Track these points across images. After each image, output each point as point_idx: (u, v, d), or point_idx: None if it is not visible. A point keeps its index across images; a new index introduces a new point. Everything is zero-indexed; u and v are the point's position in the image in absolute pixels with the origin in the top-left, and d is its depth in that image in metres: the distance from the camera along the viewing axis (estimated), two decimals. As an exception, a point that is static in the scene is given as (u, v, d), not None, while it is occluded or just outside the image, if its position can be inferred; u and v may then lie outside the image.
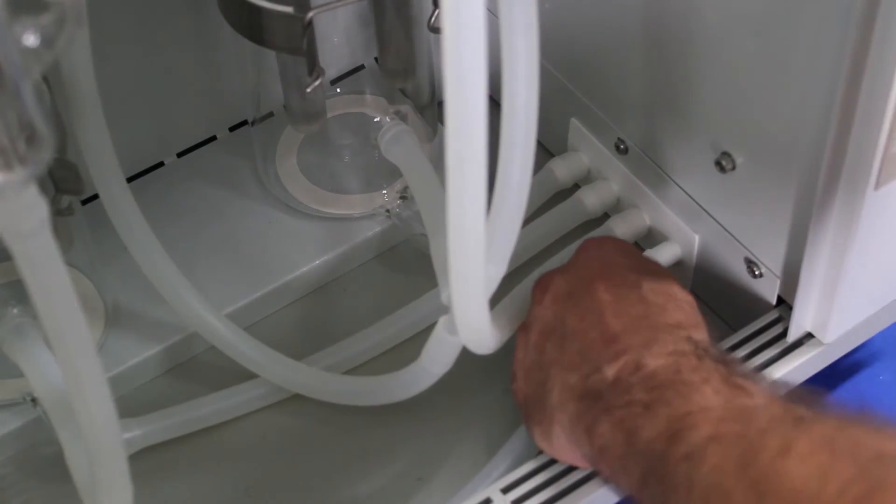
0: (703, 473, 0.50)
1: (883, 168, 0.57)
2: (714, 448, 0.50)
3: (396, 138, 0.72)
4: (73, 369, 0.48)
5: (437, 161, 0.72)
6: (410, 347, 0.70)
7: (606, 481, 0.61)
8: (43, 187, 0.42)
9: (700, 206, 0.68)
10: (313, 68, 0.66)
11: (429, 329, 0.64)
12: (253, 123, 0.77)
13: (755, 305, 0.68)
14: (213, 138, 0.80)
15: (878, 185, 0.58)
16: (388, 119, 0.74)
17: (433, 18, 0.68)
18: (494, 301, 0.59)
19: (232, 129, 0.81)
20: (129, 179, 0.70)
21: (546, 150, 0.78)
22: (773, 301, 0.67)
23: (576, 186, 0.77)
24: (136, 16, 0.72)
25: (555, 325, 0.61)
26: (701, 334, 0.59)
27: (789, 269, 0.65)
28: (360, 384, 0.69)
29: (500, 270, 0.57)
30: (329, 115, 0.75)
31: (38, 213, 0.42)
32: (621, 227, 0.72)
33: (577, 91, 0.74)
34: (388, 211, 0.76)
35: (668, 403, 0.54)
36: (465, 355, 0.63)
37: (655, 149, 0.70)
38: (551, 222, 0.75)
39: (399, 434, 0.69)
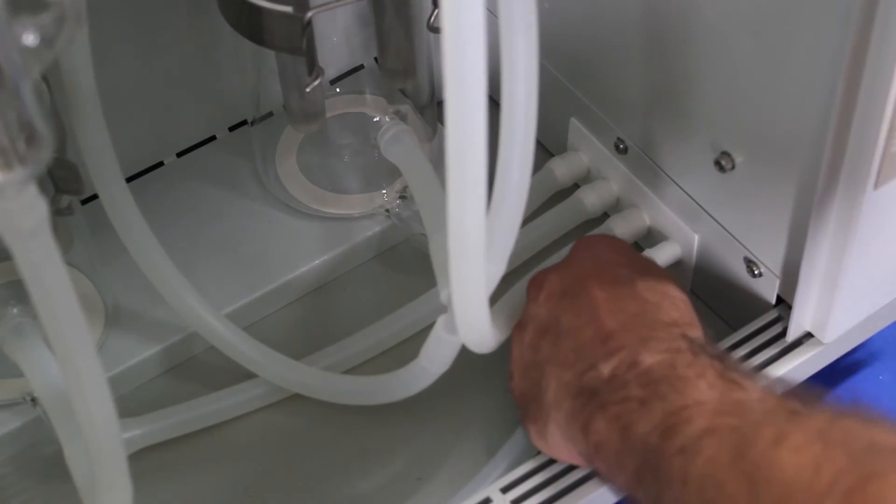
0: (698, 465, 0.50)
1: (882, 167, 0.57)
2: (708, 441, 0.51)
3: (396, 138, 0.72)
4: (73, 369, 0.48)
5: (437, 161, 0.73)
6: (410, 347, 0.70)
7: (603, 479, 0.61)
8: (43, 187, 0.42)
9: (699, 206, 0.68)
10: (313, 68, 0.66)
11: (428, 329, 0.64)
12: (253, 123, 0.77)
13: (754, 305, 0.68)
14: (213, 138, 0.80)
15: (877, 185, 0.58)
16: (387, 119, 0.74)
17: (433, 18, 0.68)
18: (492, 301, 0.59)
19: (232, 128, 0.81)
20: (129, 179, 0.70)
21: (546, 150, 0.78)
22: (773, 300, 0.67)
23: (575, 186, 0.77)
24: (135, 15, 0.72)
25: (550, 323, 0.61)
26: (696, 332, 0.59)
27: (789, 269, 0.65)
28: (359, 384, 0.69)
29: (499, 270, 0.57)
30: (329, 114, 0.75)
31: (38, 212, 0.42)
32: (621, 227, 0.72)
33: (577, 91, 0.74)
34: (387, 211, 0.76)
35: (664, 398, 0.54)
36: (465, 355, 0.63)
37: (655, 148, 0.70)
38: (551, 222, 0.75)
39: (398, 434, 0.69)
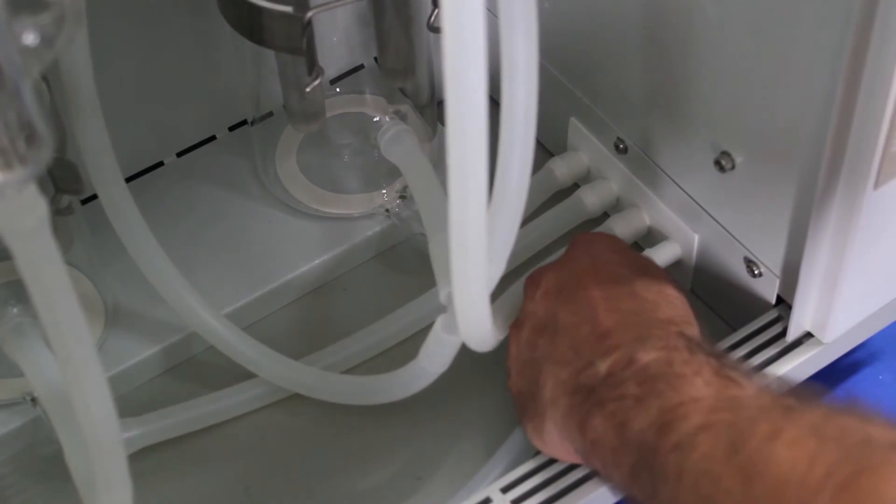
0: (693, 461, 0.50)
1: (882, 167, 0.57)
2: (704, 437, 0.51)
3: (396, 138, 0.72)
4: (73, 369, 0.48)
5: (437, 161, 0.73)
6: (409, 347, 0.70)
7: (600, 477, 0.61)
8: (43, 187, 0.42)
9: (699, 206, 0.68)
10: (313, 68, 0.66)
11: (428, 328, 0.64)
12: (253, 123, 0.77)
13: (754, 305, 0.68)
14: (213, 138, 0.81)
15: (877, 185, 0.58)
16: (387, 119, 0.74)
17: (433, 18, 0.68)
18: (491, 301, 0.59)
19: (232, 128, 0.81)
20: (129, 179, 0.71)
21: (546, 150, 0.78)
22: (773, 300, 0.67)
23: (575, 186, 0.77)
24: (135, 15, 0.72)
25: (547, 321, 0.61)
26: (693, 330, 0.59)
27: (789, 269, 0.65)
28: (358, 383, 0.69)
29: (498, 269, 0.57)
30: (329, 114, 0.75)
31: (38, 212, 0.42)
32: (621, 227, 0.72)
33: (577, 91, 0.74)
34: (387, 210, 0.76)
35: (660, 395, 0.54)
36: (465, 355, 0.63)
37: (655, 148, 0.70)
38: (551, 222, 0.75)
39: (398, 433, 0.69)
